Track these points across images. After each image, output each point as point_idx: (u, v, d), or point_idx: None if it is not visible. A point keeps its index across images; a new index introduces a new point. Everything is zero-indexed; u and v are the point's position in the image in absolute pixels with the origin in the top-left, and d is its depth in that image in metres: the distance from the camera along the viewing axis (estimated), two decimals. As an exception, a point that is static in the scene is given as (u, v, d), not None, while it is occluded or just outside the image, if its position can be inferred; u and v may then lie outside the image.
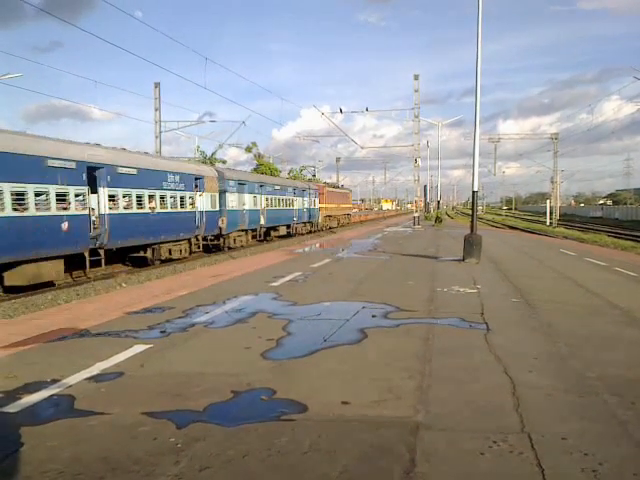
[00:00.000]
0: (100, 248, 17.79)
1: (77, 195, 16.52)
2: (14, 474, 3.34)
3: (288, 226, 39.62)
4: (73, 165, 16.35)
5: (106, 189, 18.11)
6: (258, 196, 32.88)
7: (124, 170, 19.16)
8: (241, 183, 30.49)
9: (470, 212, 18.22)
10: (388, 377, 5.19)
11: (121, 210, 18.94)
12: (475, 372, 5.39)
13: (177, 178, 23.09)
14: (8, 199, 13.89)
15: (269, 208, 34.85)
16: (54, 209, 15.56)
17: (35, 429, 3.97)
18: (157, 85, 37.35)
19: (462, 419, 4.18)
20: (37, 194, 14.88)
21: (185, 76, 79.19)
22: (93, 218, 17.52)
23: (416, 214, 43.95)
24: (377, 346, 6.36)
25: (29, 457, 3.53)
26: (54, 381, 5.00)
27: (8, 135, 14.99)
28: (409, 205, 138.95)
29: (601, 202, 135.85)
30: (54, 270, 15.83)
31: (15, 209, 14.17)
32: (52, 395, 4.68)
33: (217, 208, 26.79)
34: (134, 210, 19.72)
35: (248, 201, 31.03)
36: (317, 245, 25.55)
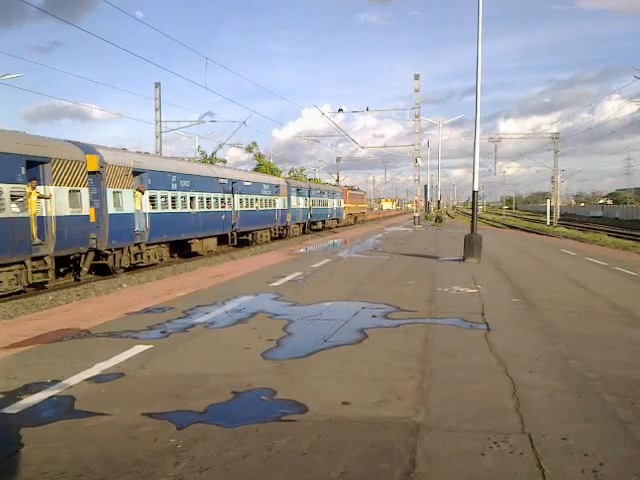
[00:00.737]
0: (234, 231, 28.90)
1: (228, 199, 27.99)
2: (14, 475, 3.34)
3: (323, 221, 50.18)
4: (226, 181, 27.90)
5: (237, 195, 29.39)
6: (308, 198, 43.98)
7: (246, 183, 31.06)
8: (298, 189, 41.71)
9: (470, 212, 18.22)
10: (389, 377, 5.19)
11: (243, 208, 30.16)
12: (476, 372, 5.39)
13: (267, 187, 34.72)
14: (204, 202, 25.03)
15: (313, 207, 45.61)
16: (219, 207, 26.77)
17: (35, 430, 3.97)
18: (157, 85, 37.34)
19: (463, 420, 4.17)
20: (214, 198, 26.17)
21: (186, 76, 79.68)
22: (232, 213, 28.35)
23: (416, 214, 43.94)
24: (377, 346, 6.36)
25: (29, 458, 3.53)
26: (54, 382, 5.01)
27: (203, 166, 29.88)
28: (409, 205, 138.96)
29: (601, 201, 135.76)
30: (214, 244, 26.46)
31: (207, 207, 25.36)
32: (52, 396, 4.67)
33: (286, 207, 37.83)
34: (249, 208, 31.14)
35: (302, 202, 42.18)
36: (317, 245, 25.54)
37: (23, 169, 14.20)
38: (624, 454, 3.62)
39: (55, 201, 15.32)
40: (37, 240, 14.69)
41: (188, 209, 23.51)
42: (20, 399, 4.58)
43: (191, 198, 23.88)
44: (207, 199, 25.55)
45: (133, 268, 19.30)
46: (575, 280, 12.41)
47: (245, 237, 31.26)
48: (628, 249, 27.46)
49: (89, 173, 16.89)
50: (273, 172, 57.40)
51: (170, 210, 21.94)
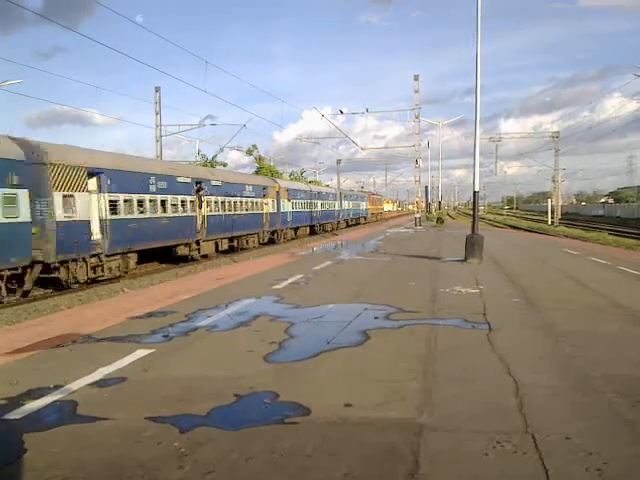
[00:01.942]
0: (316, 224, 46.37)
1: (314, 203, 45.83)
2: (18, 480, 3.34)
3: (357, 218, 67.86)
4: (315, 192, 47.35)
5: (319, 201, 47.81)
6: (351, 202, 63.95)
7: (324, 193, 51.24)
8: (345, 195, 61.05)
9: (472, 212, 18.21)
10: (391, 379, 5.19)
11: (321, 209, 48.57)
12: (478, 373, 5.39)
13: (331, 195, 53.75)
14: (307, 205, 43.76)
15: (352, 208, 64.62)
16: (311, 208, 44.67)
17: (38, 435, 3.97)
18: (157, 89, 37.44)
19: (466, 420, 4.17)
20: (309, 202, 44.14)
21: (186, 80, 79.97)
22: (316, 212, 45.77)
23: (417, 215, 43.93)
24: (380, 348, 6.36)
25: (33, 463, 3.53)
26: (57, 387, 5.01)
27: (309, 184, 56.78)
28: (410, 206, 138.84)
29: (603, 200, 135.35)
30: (307, 231, 44.10)
31: (307, 208, 43.69)
32: (55, 401, 4.68)
33: (340, 209, 56.82)
34: (323, 209, 49.31)
35: (346, 205, 60.55)
36: (319, 247, 25.52)
37: (262, 191, 33.33)
38: (628, 453, 3.61)
39: (268, 205, 34.10)
40: (264, 223, 33.43)
41: (301, 209, 42.04)
42: (23, 404, 4.58)
43: (303, 202, 42.50)
44: (307, 203, 43.70)
45: (286, 241, 36.84)
46: (577, 279, 12.39)
47: (323, 228, 49.15)
48: (631, 248, 27.41)
49: (276, 192, 35.70)
50: (274, 175, 57.49)
51: (295, 210, 39.91)
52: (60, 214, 15.50)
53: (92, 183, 17.27)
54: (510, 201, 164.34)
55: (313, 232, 45.72)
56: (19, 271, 14.49)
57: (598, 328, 7.42)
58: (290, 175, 72.11)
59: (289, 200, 38.12)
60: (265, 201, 33.52)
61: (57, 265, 15.61)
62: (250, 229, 31.08)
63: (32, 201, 14.71)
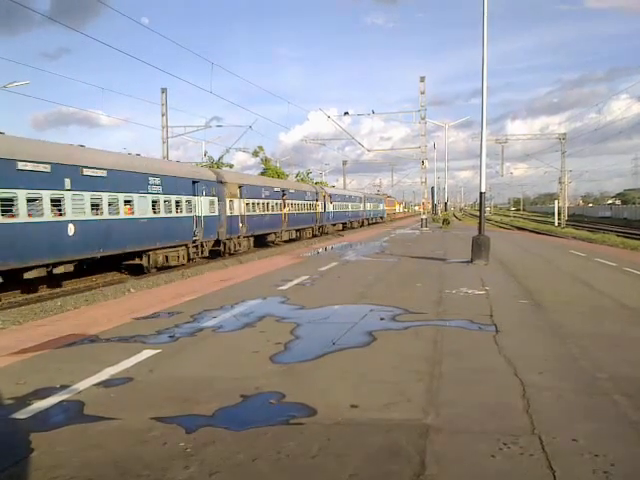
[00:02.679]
0: (348, 221, 58.39)
1: (347, 205, 57.85)
2: (25, 480, 3.35)
3: (375, 218, 76.28)
4: (346, 196, 59.45)
5: (350, 203, 59.28)
6: (372, 203, 74.08)
7: (353, 197, 62.48)
8: (367, 198, 71.88)
9: (478, 213, 18.16)
10: (397, 380, 5.18)
11: (352, 210, 60.73)
12: (484, 374, 5.37)
13: (358, 198, 64.49)
14: (356, 207, 63.37)
15: (372, 210, 73.96)
16: (350, 209, 59.59)
17: (45, 435, 3.99)
18: (164, 91, 37.61)
19: (472, 421, 4.15)
20: (352, 205, 61.45)
21: (192, 81, 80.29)
22: (348, 212, 58.48)
23: (423, 216, 43.86)
24: (386, 349, 6.34)
25: (39, 463, 3.54)
26: (63, 387, 5.02)
27: (356, 192, 72.71)
28: (416, 207, 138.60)
29: (610, 202, 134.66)
30: (340, 227, 54.55)
31: (354, 209, 62.12)
32: (62, 401, 4.69)
33: (363, 210, 66.61)
34: (354, 210, 62.14)
35: (368, 206, 70.10)
36: (324, 248, 25.49)
37: (315, 196, 45.26)
38: (635, 454, 3.59)
39: (319, 207, 45.73)
40: (316, 220, 45.14)
41: (338, 210, 52.66)
42: (30, 404, 4.60)
43: (339, 205, 52.87)
44: (342, 205, 53.36)
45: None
46: (584, 281, 12.33)
47: (348, 225, 57.75)
48: (638, 249, 27.24)
49: (323, 196, 46.72)
50: (279, 176, 57.60)
51: (334, 210, 50.69)
52: (228, 211, 27.09)
53: (238, 192, 28.78)
54: (517, 202, 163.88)
55: (344, 228, 55.75)
56: (208, 242, 24.94)
57: (604, 329, 7.39)
58: (296, 176, 72.19)
59: (331, 203, 49.66)
60: (317, 203, 45.32)
61: (225, 241, 26.65)
62: (308, 224, 42.95)
63: (218, 203, 25.74)
